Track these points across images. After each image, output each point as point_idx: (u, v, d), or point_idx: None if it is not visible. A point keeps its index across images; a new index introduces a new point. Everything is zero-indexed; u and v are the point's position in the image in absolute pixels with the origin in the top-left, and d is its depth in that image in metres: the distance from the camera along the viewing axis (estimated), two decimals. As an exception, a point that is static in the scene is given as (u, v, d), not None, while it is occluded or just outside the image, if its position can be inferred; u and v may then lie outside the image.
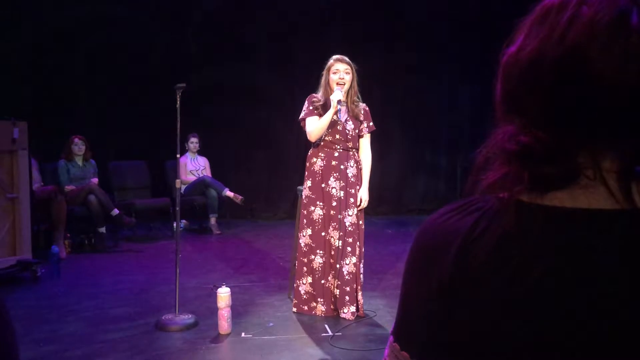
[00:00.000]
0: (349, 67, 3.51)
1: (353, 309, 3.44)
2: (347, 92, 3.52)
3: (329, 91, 3.52)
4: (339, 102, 3.40)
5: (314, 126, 3.50)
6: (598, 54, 0.49)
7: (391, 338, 0.64)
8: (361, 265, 3.54)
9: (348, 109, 3.55)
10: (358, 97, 3.61)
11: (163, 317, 3.35)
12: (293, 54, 7.52)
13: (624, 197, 0.50)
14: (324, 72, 3.56)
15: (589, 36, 0.49)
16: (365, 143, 3.63)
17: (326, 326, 3.32)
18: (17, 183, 4.53)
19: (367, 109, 3.66)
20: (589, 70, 0.49)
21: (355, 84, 3.55)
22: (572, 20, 0.51)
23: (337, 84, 3.47)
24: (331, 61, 3.54)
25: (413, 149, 8.31)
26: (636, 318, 0.46)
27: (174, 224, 4.17)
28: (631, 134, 0.50)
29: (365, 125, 3.61)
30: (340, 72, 3.48)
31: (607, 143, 0.51)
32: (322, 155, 3.54)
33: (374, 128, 3.67)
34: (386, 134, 7.46)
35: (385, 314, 3.52)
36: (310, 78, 3.65)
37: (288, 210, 7.85)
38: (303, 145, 3.70)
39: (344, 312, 3.44)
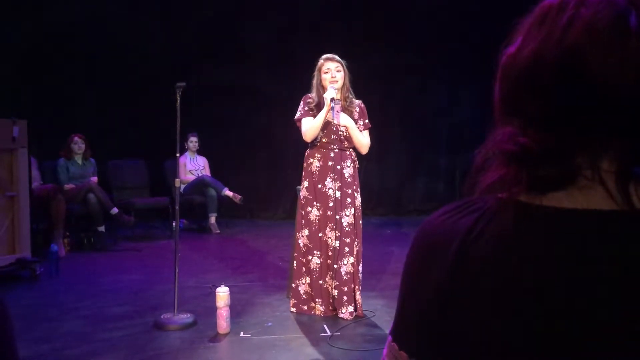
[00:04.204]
0: (339, 65, 3.48)
1: (351, 309, 3.44)
2: (340, 90, 3.50)
3: (321, 91, 3.50)
4: (332, 100, 3.39)
5: (309, 126, 3.48)
6: (597, 56, 0.49)
7: (389, 338, 0.64)
8: (359, 266, 3.54)
9: (342, 107, 3.51)
10: (351, 93, 3.58)
11: (162, 316, 3.35)
12: (293, 54, 7.52)
13: (622, 197, 0.50)
14: (315, 73, 3.54)
15: (588, 38, 0.49)
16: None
17: (325, 326, 3.32)
18: (17, 181, 4.53)
19: (362, 105, 3.62)
20: (588, 71, 0.49)
21: (347, 80, 3.52)
22: (571, 22, 0.51)
23: (330, 82, 3.45)
24: (321, 61, 3.52)
25: (412, 150, 8.30)
26: (634, 318, 0.47)
27: (173, 223, 4.17)
28: (629, 134, 0.50)
29: (360, 123, 3.57)
30: (331, 71, 3.46)
31: (606, 144, 0.51)
32: (319, 156, 3.53)
33: (370, 125, 3.63)
34: (386, 135, 7.46)
35: (384, 314, 3.51)
36: (310, 78, 3.64)
37: (287, 209, 7.85)
38: (302, 144, 3.68)
39: (342, 312, 3.43)
